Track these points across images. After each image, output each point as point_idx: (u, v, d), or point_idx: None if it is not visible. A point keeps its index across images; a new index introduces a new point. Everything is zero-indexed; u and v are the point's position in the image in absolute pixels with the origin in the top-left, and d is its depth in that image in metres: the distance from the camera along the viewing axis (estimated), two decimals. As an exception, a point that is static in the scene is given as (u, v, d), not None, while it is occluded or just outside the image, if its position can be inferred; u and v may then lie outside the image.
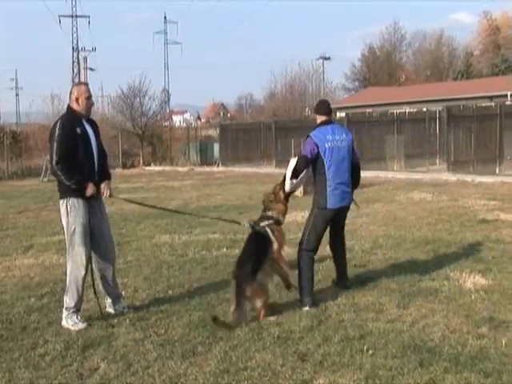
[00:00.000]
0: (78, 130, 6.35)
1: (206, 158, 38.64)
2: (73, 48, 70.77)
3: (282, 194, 7.05)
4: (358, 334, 5.85)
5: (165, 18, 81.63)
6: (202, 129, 48.99)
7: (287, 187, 7.03)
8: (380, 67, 68.33)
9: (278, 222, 7.00)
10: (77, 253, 6.37)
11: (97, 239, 6.56)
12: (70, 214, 6.34)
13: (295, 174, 6.95)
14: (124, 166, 38.97)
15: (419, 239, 10.42)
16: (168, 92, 65.11)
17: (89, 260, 6.47)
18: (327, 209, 6.94)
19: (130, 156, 42.02)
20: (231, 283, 6.67)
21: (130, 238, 11.43)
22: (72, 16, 70.37)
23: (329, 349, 5.51)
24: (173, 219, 13.67)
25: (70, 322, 6.33)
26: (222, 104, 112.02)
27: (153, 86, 70.93)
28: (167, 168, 37.18)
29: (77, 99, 6.42)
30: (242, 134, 37.25)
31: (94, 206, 6.52)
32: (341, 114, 39.43)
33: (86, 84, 6.75)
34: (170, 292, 7.57)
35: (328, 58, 68.56)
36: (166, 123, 50.22)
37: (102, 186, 6.64)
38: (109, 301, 6.79)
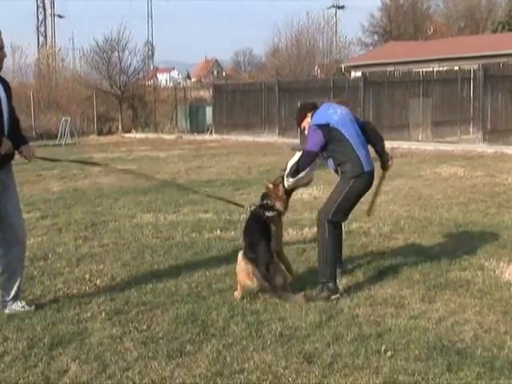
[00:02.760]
0: None
1: (196, 125, 38.45)
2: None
3: (281, 189, 7.31)
4: (374, 332, 5.87)
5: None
6: (192, 89, 48.67)
7: (286, 184, 7.28)
8: (404, 18, 68.02)
9: (280, 214, 7.38)
10: None
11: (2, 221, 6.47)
12: None
13: (296, 172, 7.19)
14: (100, 133, 38.90)
15: (448, 222, 10.46)
16: (152, 45, 64.52)
17: None
18: (365, 173, 7.07)
19: (106, 121, 41.86)
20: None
21: (106, 218, 11.44)
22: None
23: (340, 349, 5.53)
24: (157, 195, 13.69)
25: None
26: (216, 61, 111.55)
27: (134, 38, 70.38)
28: (151, 135, 37.08)
29: None
30: (239, 97, 37.00)
31: (4, 179, 6.40)
32: (356, 74, 39.33)
33: None
34: (154, 281, 7.54)
35: (342, 7, 68.50)
36: (150, 82, 49.86)
37: (24, 149, 6.52)
38: None
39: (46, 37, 64.36)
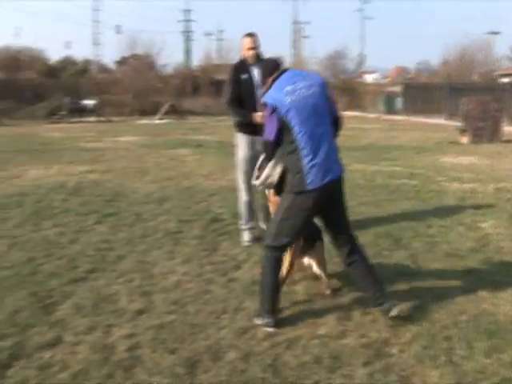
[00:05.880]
0: (243, 76, 5.62)
1: (390, 109, 37.24)
2: (292, 21, 70.59)
3: (272, 195, 4.41)
4: (516, 259, 5.21)
5: (362, -3, 77.94)
6: (387, 85, 46.93)
7: (256, 183, 4.13)
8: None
9: None
10: (237, 178, 5.97)
11: None
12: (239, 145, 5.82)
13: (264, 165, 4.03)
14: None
15: None
16: (363, 56, 62.96)
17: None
18: (306, 191, 3.65)
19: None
20: None
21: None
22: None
23: (494, 268, 4.92)
24: (364, 153, 13.36)
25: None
26: (404, 67, 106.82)
27: (352, 51, 69.82)
28: (358, 114, 36.27)
29: (243, 49, 5.69)
30: (420, 91, 35.69)
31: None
32: (503, 80, 35.57)
33: (251, 36, 5.65)
34: (363, 208, 7.28)
35: (497, 33, 61.66)
36: (360, 79, 48.95)
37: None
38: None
39: (297, 50, 64.75)
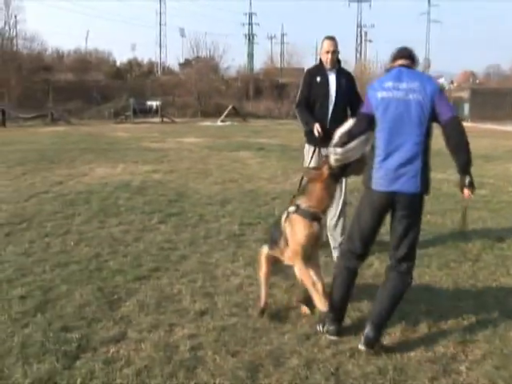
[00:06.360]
0: (318, 79, 5.39)
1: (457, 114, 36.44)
2: (356, 25, 69.99)
3: (325, 171, 3.81)
4: None
5: (429, 1, 76.42)
6: (454, 90, 45.63)
7: (332, 158, 3.73)
8: None
9: (305, 214, 3.82)
10: None
11: None
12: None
13: (345, 139, 3.62)
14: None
15: None
16: (429, 60, 61.74)
17: None
18: (373, 190, 3.57)
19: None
20: None
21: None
22: (358, 0, 69.34)
23: None
24: (433, 160, 12.97)
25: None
26: (472, 72, 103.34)
27: (416, 55, 68.27)
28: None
29: (321, 52, 5.47)
30: (489, 97, 34.56)
31: None
32: None
33: (331, 39, 5.41)
34: (429, 217, 6.98)
35: None
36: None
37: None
38: None
39: (361, 54, 64.22)
